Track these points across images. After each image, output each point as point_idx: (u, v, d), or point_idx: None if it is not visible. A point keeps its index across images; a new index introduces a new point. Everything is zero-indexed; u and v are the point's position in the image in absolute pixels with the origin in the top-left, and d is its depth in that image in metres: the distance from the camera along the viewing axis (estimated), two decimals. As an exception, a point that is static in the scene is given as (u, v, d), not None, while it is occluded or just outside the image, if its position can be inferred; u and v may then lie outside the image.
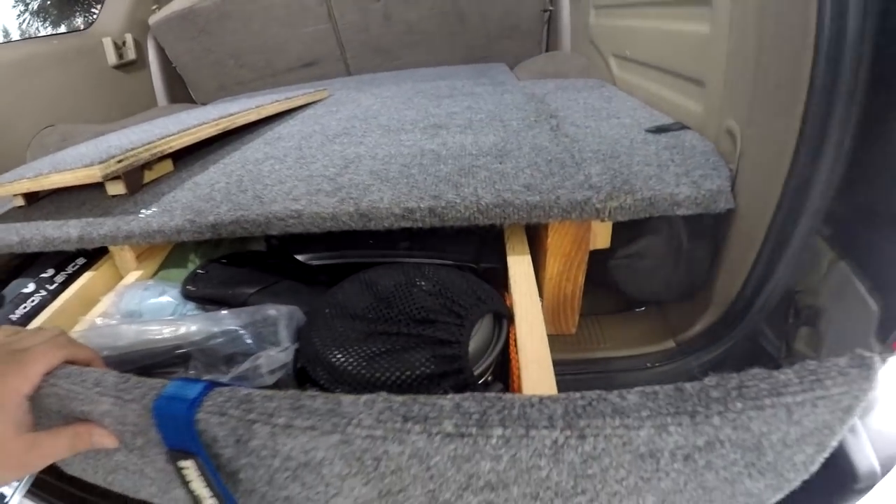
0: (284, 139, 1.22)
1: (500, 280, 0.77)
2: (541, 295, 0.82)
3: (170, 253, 1.02)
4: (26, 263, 1.14)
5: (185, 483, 0.49)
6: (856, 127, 0.62)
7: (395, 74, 2.19)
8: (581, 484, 0.42)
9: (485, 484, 0.41)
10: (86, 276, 0.98)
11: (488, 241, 0.81)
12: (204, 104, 2.58)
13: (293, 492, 0.48)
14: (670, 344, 0.88)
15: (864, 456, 0.80)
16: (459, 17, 2.17)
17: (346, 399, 0.43)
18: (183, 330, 0.67)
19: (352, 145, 1.04)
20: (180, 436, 0.47)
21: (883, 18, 0.58)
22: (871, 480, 0.66)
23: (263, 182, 0.91)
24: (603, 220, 0.74)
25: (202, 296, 0.79)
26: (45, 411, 0.56)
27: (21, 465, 0.48)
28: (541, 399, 0.40)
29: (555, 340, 0.87)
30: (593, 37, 1.69)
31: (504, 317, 0.66)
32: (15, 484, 0.72)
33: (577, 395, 0.40)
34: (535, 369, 0.56)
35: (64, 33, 2.56)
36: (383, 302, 0.65)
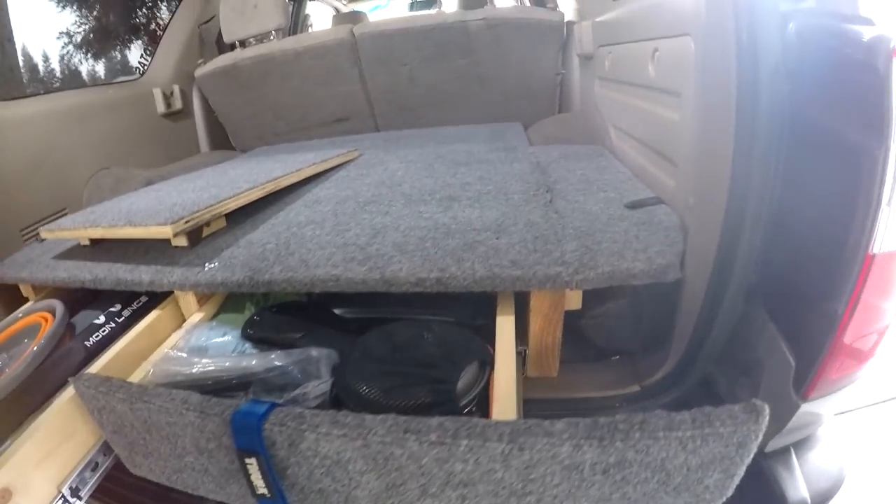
0: (322, 202, 1.47)
1: (491, 333, 1.00)
2: (527, 344, 1.05)
3: (226, 298, 1.24)
4: (88, 297, 1.34)
5: (247, 476, 0.73)
6: (770, 207, 0.82)
7: (419, 133, 2.45)
8: (528, 486, 0.64)
9: (459, 481, 0.64)
10: (153, 315, 1.19)
11: (483, 302, 1.03)
12: (243, 151, 2.85)
13: (325, 484, 0.71)
14: (635, 388, 1.08)
15: (796, 488, 1.01)
16: (479, 80, 2.42)
17: (368, 417, 0.67)
18: (245, 364, 0.91)
19: (379, 214, 1.28)
20: (249, 440, 0.71)
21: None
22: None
23: (307, 246, 1.15)
24: (572, 289, 0.96)
25: (259, 338, 1.04)
26: (134, 423, 0.80)
27: None
28: (496, 422, 0.63)
29: (539, 382, 1.11)
30: (598, 103, 1.93)
31: (487, 363, 0.89)
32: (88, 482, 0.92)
33: (522, 421, 0.63)
34: (503, 402, 0.78)
35: (118, 82, 2.82)
36: (398, 349, 0.89)
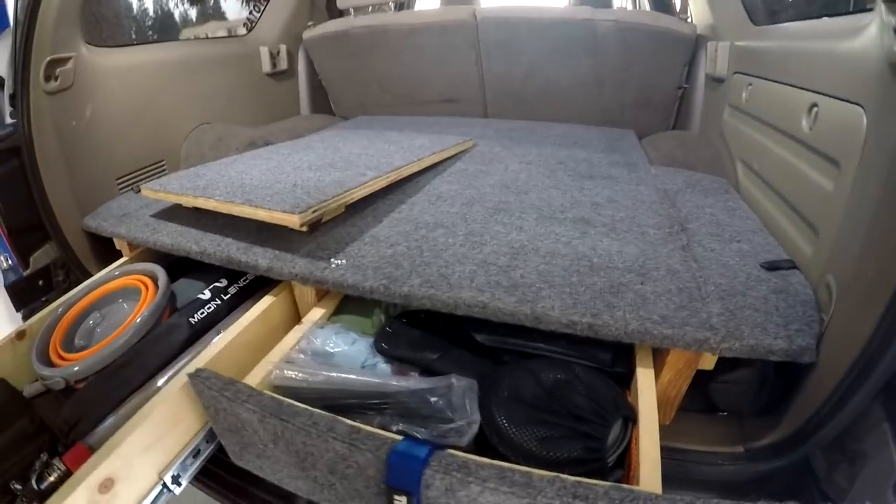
0: (446, 201, 1.49)
1: (626, 379, 1.02)
2: (653, 391, 1.06)
3: (346, 297, 1.24)
4: (188, 262, 1.36)
5: (391, 505, 0.76)
6: None
7: (531, 127, 2.45)
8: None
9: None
10: (267, 301, 1.22)
11: (622, 349, 1.04)
12: (343, 117, 2.89)
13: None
14: (739, 449, 1.09)
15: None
16: (599, 82, 2.40)
17: (536, 475, 0.69)
18: (382, 382, 0.93)
19: (514, 229, 1.30)
20: (405, 480, 0.73)
21: None
22: None
23: (443, 257, 1.17)
24: (714, 354, 0.97)
25: (393, 355, 1.06)
26: (259, 432, 0.83)
27: None
28: (656, 496, 0.66)
29: None
30: (724, 132, 1.88)
31: (630, 420, 0.90)
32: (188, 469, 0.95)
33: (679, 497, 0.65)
34: (649, 468, 0.80)
35: (225, 37, 2.88)
36: (548, 394, 0.92)
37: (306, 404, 0.84)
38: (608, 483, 0.69)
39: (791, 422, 1.02)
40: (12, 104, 1.48)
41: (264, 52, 2.64)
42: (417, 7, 4.14)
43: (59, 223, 1.56)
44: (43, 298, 1.56)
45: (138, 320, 1.18)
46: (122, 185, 1.86)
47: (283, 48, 2.74)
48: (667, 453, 1.11)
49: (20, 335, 1.22)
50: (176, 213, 1.47)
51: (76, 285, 1.38)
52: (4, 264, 1.52)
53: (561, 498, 0.67)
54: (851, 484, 0.91)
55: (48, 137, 1.56)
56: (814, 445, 0.96)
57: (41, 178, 1.52)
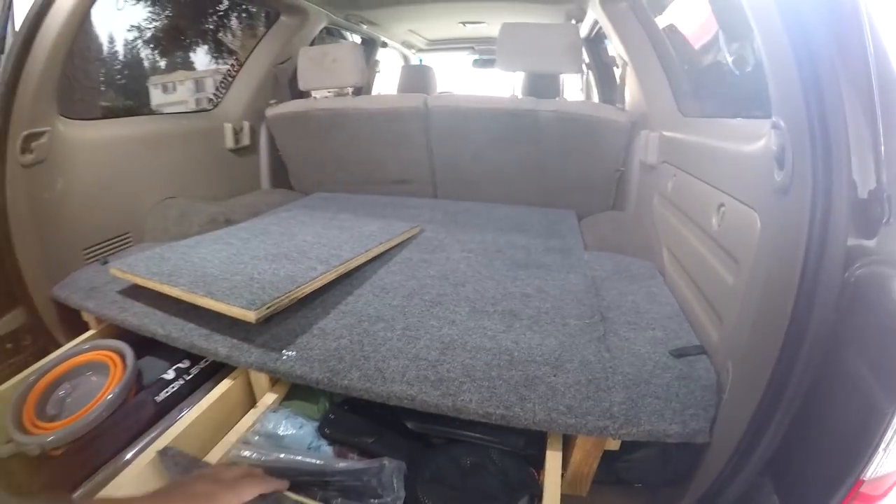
0: (389, 292, 1.66)
1: (536, 459, 1.19)
2: (566, 469, 1.23)
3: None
4: (152, 340, 1.47)
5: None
6: (797, 404, 0.95)
7: (477, 209, 2.67)
8: None
9: None
10: (225, 385, 1.35)
11: (534, 433, 1.20)
12: (302, 192, 3.08)
13: None
14: None
15: None
16: (541, 166, 2.63)
17: None
18: (324, 463, 1.10)
19: (446, 323, 1.47)
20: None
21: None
22: None
23: (381, 352, 1.33)
24: (614, 439, 1.15)
25: (334, 438, 1.23)
26: None
27: None
28: None
29: (571, 499, 1.28)
30: (654, 217, 2.11)
31: (535, 496, 1.08)
32: None
33: None
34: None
35: (191, 112, 3.04)
36: (465, 475, 1.11)
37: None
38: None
39: (694, 492, 1.17)
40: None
41: (228, 128, 2.81)
42: (374, 92, 4.39)
43: (28, 290, 1.66)
44: (10, 361, 1.62)
45: (109, 397, 1.29)
46: (89, 255, 1.96)
47: (246, 125, 2.92)
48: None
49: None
50: (142, 293, 1.57)
51: (43, 350, 1.48)
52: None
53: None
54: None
55: (21, 207, 1.65)
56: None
57: (13, 247, 1.62)
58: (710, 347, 1.37)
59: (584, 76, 4.30)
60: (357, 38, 4.29)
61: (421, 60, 5.71)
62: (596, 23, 3.01)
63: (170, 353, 1.49)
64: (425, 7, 3.71)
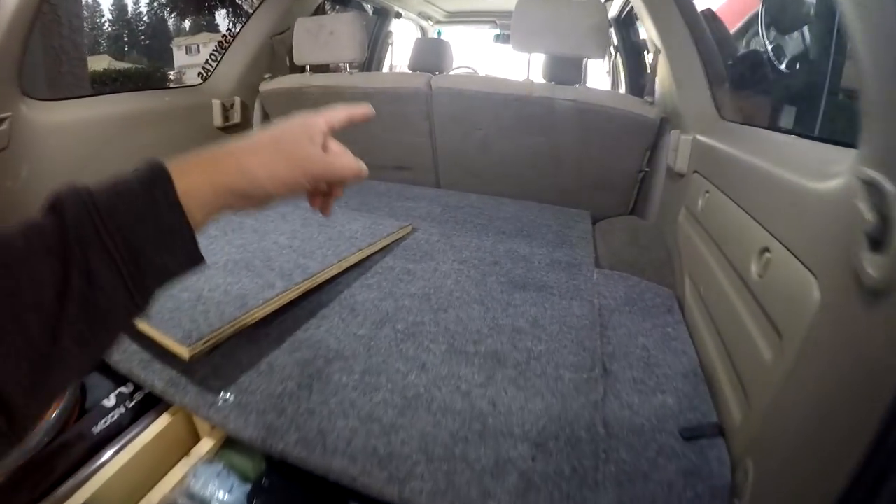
0: (358, 316, 1.42)
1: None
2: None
3: None
4: None
5: None
6: None
7: (481, 205, 2.40)
8: None
9: None
10: (162, 422, 1.17)
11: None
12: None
13: None
14: None
15: None
16: (555, 161, 2.35)
17: None
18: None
19: (415, 367, 1.22)
20: None
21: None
22: None
23: (330, 404, 1.10)
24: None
25: (266, 512, 1.00)
26: None
27: (323, 170, 0.69)
28: None
29: None
30: (679, 236, 1.81)
31: None
32: None
33: None
34: None
35: (176, 88, 2.82)
36: None
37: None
38: None
39: None
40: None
41: (216, 105, 2.58)
42: (386, 68, 4.12)
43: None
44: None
45: (52, 419, 1.13)
46: None
47: (237, 100, 2.69)
48: None
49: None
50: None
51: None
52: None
53: None
54: None
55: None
56: None
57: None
58: (728, 428, 1.10)
59: (612, 59, 3.99)
60: (369, 8, 4.02)
61: (440, 33, 5.42)
62: (627, 2, 2.70)
63: (115, 377, 1.32)
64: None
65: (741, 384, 1.11)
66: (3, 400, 0.43)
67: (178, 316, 1.25)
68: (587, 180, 2.41)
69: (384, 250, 1.84)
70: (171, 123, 2.39)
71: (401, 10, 4.55)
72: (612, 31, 3.80)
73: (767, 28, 2.43)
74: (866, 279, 0.68)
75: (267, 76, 2.79)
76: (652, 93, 2.26)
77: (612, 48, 3.99)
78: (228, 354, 1.25)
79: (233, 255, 1.59)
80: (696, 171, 1.77)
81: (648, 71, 2.36)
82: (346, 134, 2.19)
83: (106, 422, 1.20)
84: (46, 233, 0.48)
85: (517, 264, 1.78)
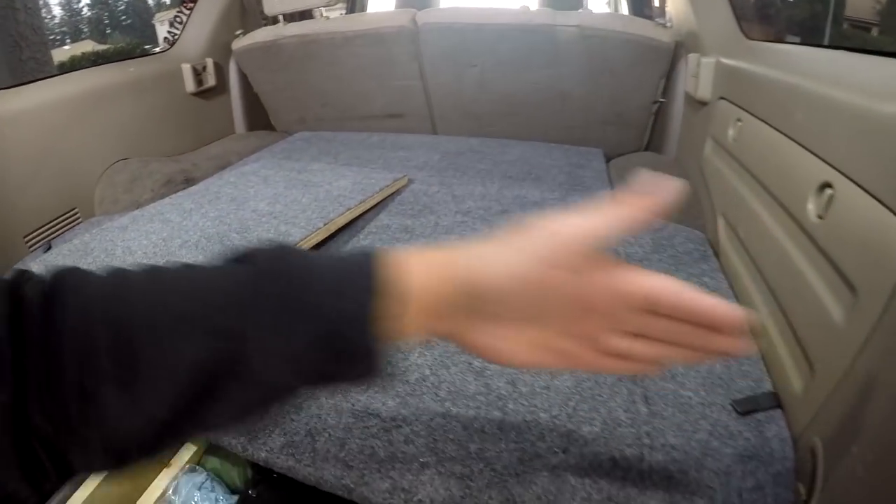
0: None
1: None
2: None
3: None
4: None
5: None
6: None
7: (483, 148, 2.20)
8: None
9: None
10: None
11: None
12: (284, 132, 2.65)
13: None
14: None
15: None
16: (562, 96, 2.14)
17: None
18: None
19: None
20: None
21: None
22: None
23: (319, 399, 0.93)
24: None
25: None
26: None
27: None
28: None
29: None
30: (705, 170, 1.61)
31: None
32: None
33: None
34: None
35: (140, 56, 2.62)
36: None
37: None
38: None
39: None
40: None
41: (187, 69, 2.37)
42: (371, 8, 3.85)
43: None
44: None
45: None
46: (33, 242, 1.70)
47: (209, 62, 2.48)
48: None
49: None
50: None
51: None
52: None
53: None
54: None
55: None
56: None
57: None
58: (787, 400, 0.92)
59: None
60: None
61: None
62: None
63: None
64: None
65: (800, 347, 0.92)
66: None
67: None
68: (597, 115, 2.19)
69: (377, 207, 1.66)
70: (139, 95, 2.19)
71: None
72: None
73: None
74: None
75: (238, 33, 2.56)
76: (663, 14, 2.03)
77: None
78: None
79: (207, 228, 1.41)
80: (722, 98, 1.56)
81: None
82: (329, 87, 1.97)
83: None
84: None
85: (527, 212, 1.59)
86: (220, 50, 2.53)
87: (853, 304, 0.77)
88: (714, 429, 0.88)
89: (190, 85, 2.39)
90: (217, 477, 1.00)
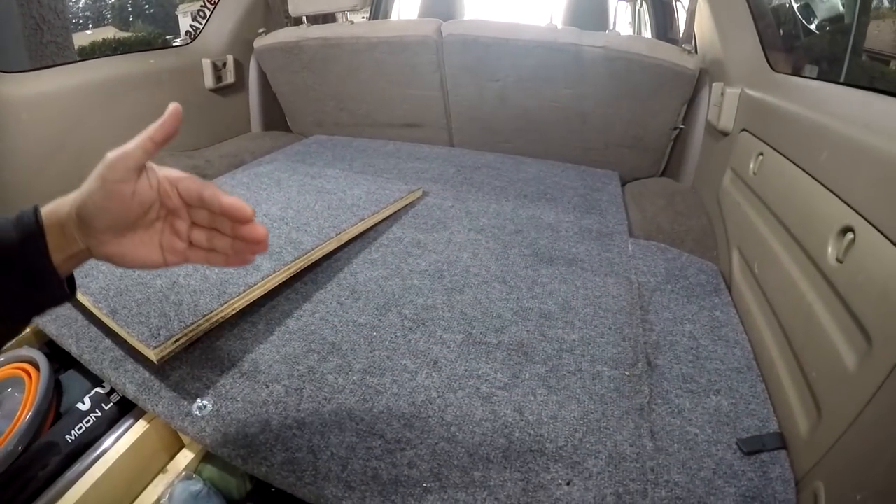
0: (359, 300, 1.25)
1: None
2: None
3: None
4: None
5: None
6: None
7: (499, 165, 2.20)
8: None
9: None
10: (139, 429, 1.01)
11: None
12: (300, 134, 2.66)
13: None
14: None
15: None
16: (582, 116, 2.14)
17: None
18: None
19: (426, 364, 1.05)
20: None
21: None
22: None
23: (323, 413, 0.93)
24: None
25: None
26: None
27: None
28: None
29: None
30: (722, 200, 1.61)
31: None
32: None
33: None
34: None
35: (162, 47, 2.62)
36: None
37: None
38: None
39: None
40: None
41: (207, 65, 2.38)
42: (394, 15, 3.86)
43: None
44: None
45: (26, 423, 0.99)
46: None
47: (230, 59, 2.49)
48: None
49: None
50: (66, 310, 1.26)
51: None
52: None
53: None
54: None
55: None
56: None
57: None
58: (792, 440, 0.93)
59: (636, 7, 3.72)
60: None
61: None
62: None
63: (90, 376, 1.18)
64: None
65: (809, 389, 0.92)
66: None
67: (147, 309, 1.08)
68: (616, 137, 2.19)
69: (391, 218, 1.66)
70: (158, 87, 2.19)
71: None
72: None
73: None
74: None
75: (261, 31, 2.56)
76: (689, 40, 2.02)
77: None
78: (207, 350, 1.09)
79: None
80: (744, 130, 1.55)
81: (686, 15, 2.11)
82: (349, 92, 1.97)
83: (81, 427, 1.05)
84: None
85: (542, 233, 1.59)
86: (242, 47, 2.54)
87: (867, 352, 0.77)
88: (718, 467, 0.88)
89: (209, 80, 2.40)
90: (214, 486, 0.99)
